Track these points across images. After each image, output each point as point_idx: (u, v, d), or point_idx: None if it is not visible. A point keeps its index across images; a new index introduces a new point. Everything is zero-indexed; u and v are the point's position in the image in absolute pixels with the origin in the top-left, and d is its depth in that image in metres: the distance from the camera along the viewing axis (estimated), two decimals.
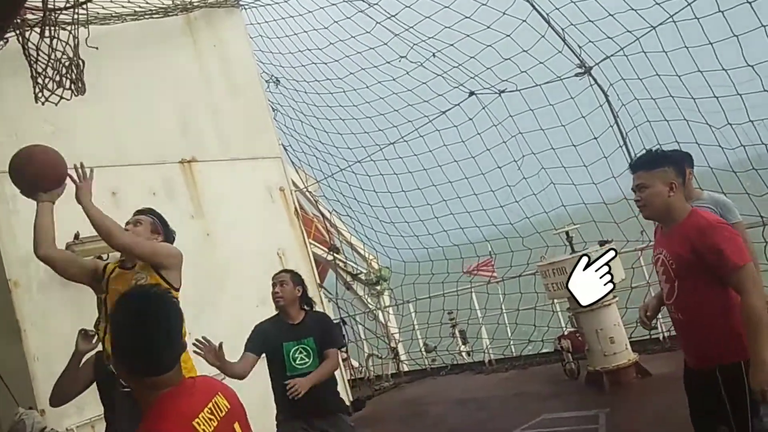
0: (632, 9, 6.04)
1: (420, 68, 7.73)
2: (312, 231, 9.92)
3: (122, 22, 6.17)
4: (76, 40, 4.19)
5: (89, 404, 3.84)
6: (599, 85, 6.82)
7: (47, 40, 4.08)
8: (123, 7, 6.14)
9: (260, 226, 7.15)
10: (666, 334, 6.71)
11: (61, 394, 3.57)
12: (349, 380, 7.94)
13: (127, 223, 3.52)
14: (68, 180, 3.46)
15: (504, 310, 8.35)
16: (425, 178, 8.55)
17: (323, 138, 9.42)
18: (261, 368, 4.00)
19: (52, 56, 4.11)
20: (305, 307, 4.14)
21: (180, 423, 1.71)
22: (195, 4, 7.16)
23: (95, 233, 5.36)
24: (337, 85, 8.57)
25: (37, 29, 4.08)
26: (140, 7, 6.34)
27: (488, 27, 6.90)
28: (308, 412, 3.85)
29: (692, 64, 5.86)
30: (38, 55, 4.15)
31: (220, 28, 7.62)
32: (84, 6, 4.14)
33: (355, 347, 9.53)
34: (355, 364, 9.50)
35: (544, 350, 7.77)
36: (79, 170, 3.46)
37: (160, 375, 1.74)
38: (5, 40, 4.43)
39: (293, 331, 4.00)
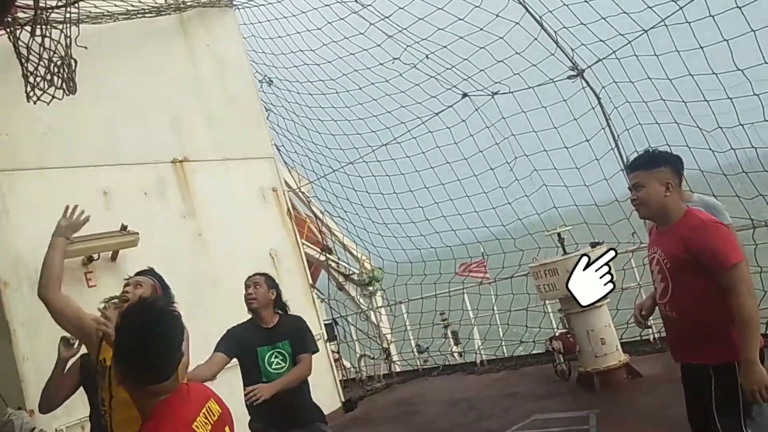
0: (625, 13, 6.08)
1: (413, 70, 7.74)
2: (305, 231, 9.91)
3: (114, 21, 6.14)
4: (68, 39, 4.17)
5: (78, 406, 3.82)
6: (591, 88, 6.85)
7: (38, 39, 4.05)
8: (115, 5, 6.11)
9: (253, 226, 7.14)
10: (656, 336, 6.75)
11: (49, 401, 3.56)
12: (341, 381, 7.94)
13: (127, 285, 3.30)
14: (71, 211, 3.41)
15: (496, 311, 8.37)
16: (418, 180, 8.57)
17: (316, 139, 9.43)
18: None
19: (44, 55, 4.09)
20: (279, 311, 4.04)
21: (180, 427, 1.84)
22: (188, 3, 7.14)
23: (86, 233, 5.36)
24: (330, 86, 8.58)
25: (28, 28, 4.06)
26: (133, 6, 6.32)
27: (481, 29, 6.91)
28: (284, 421, 3.74)
29: (683, 68, 5.90)
30: (29, 53, 4.13)
31: (213, 28, 7.61)
32: (75, 5, 4.12)
33: (347, 348, 9.53)
34: (347, 364, 9.50)
35: (535, 351, 7.79)
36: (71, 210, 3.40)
37: (161, 383, 1.86)
38: None
39: (267, 335, 3.90)
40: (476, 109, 7.80)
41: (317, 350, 4.07)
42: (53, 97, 4.24)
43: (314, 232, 10.40)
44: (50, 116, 5.37)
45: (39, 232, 5.18)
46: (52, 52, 4.11)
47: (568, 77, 6.92)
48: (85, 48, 4.32)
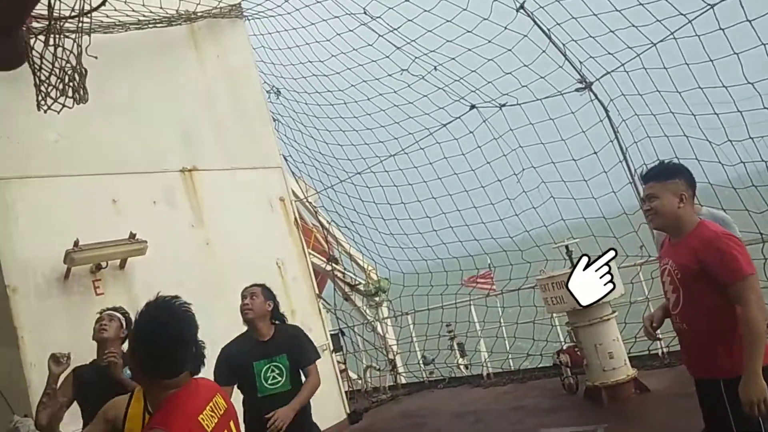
0: (633, 26, 6.09)
1: (421, 81, 7.75)
2: (311, 241, 9.92)
3: (126, 30, 6.20)
4: (80, 48, 4.22)
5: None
6: (599, 101, 6.85)
7: (51, 49, 4.10)
8: (127, 15, 6.18)
9: (260, 235, 7.16)
10: (665, 350, 6.69)
11: (50, 420, 3.57)
12: (346, 392, 7.90)
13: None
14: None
15: (503, 324, 8.32)
16: (425, 191, 8.56)
17: (323, 149, 9.45)
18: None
19: (56, 64, 4.14)
20: (275, 321, 3.96)
21: (188, 418, 1.96)
22: (199, 14, 7.21)
23: (95, 241, 5.39)
24: (338, 96, 8.61)
25: (42, 37, 4.11)
26: (144, 16, 6.38)
27: (490, 41, 6.94)
28: None
29: (692, 81, 5.89)
30: (42, 62, 4.18)
31: (223, 39, 7.68)
32: (89, 15, 4.17)
33: (354, 358, 9.49)
34: (354, 375, 9.46)
35: (542, 364, 7.73)
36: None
37: (175, 377, 2.01)
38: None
39: (263, 349, 3.82)
40: (484, 121, 7.82)
41: (319, 357, 4.02)
42: (64, 105, 4.28)
43: (321, 241, 10.41)
44: (61, 125, 5.42)
45: (48, 239, 5.26)
46: (64, 62, 4.16)
47: (576, 90, 6.93)
48: (96, 58, 4.36)
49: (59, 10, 4.01)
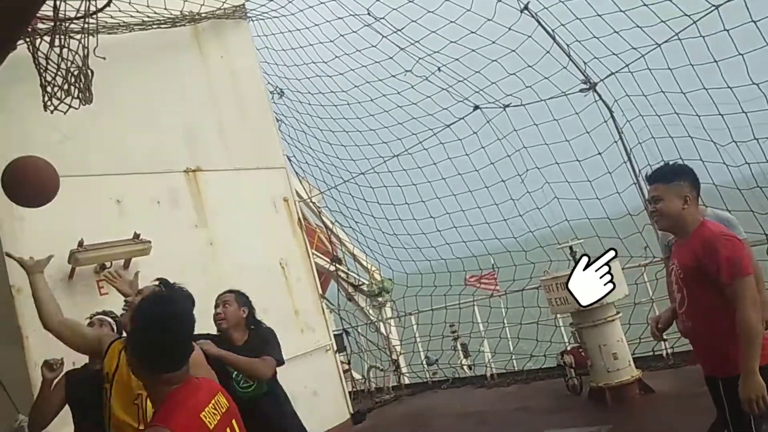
0: (638, 26, 6.07)
1: (425, 82, 7.76)
2: (315, 241, 9.94)
3: (130, 31, 6.22)
4: (86, 49, 4.23)
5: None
6: (604, 101, 6.84)
7: (57, 49, 4.11)
8: (131, 16, 6.19)
9: (263, 235, 7.16)
10: (669, 351, 6.67)
11: (40, 419, 3.65)
12: (350, 392, 7.90)
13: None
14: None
15: (506, 324, 8.31)
16: (429, 191, 8.57)
17: (327, 149, 9.46)
18: None
19: (62, 65, 4.15)
20: (251, 327, 3.93)
21: (190, 414, 1.95)
22: (203, 15, 7.22)
23: (99, 241, 5.39)
24: (342, 97, 8.62)
25: (47, 38, 4.12)
26: (148, 17, 6.40)
27: (493, 42, 6.94)
28: None
29: (697, 82, 5.88)
30: (48, 63, 4.19)
31: (227, 40, 7.68)
32: (94, 16, 4.18)
33: (358, 358, 9.50)
34: (357, 375, 9.46)
35: (546, 365, 7.72)
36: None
37: (176, 371, 1.99)
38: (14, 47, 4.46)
39: (236, 353, 3.79)
40: (488, 122, 7.82)
41: (281, 360, 3.92)
42: (70, 106, 4.29)
43: (324, 242, 10.42)
44: (66, 125, 5.42)
45: (53, 239, 5.26)
46: (69, 63, 4.17)
47: (581, 90, 6.92)
48: (105, 59, 4.38)
49: (65, 11, 4.02)
